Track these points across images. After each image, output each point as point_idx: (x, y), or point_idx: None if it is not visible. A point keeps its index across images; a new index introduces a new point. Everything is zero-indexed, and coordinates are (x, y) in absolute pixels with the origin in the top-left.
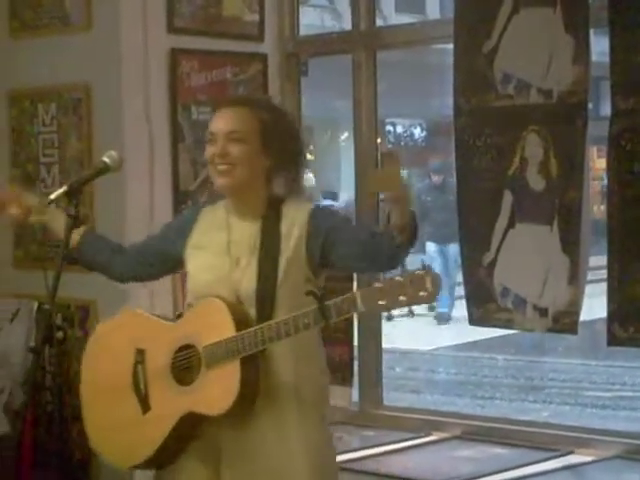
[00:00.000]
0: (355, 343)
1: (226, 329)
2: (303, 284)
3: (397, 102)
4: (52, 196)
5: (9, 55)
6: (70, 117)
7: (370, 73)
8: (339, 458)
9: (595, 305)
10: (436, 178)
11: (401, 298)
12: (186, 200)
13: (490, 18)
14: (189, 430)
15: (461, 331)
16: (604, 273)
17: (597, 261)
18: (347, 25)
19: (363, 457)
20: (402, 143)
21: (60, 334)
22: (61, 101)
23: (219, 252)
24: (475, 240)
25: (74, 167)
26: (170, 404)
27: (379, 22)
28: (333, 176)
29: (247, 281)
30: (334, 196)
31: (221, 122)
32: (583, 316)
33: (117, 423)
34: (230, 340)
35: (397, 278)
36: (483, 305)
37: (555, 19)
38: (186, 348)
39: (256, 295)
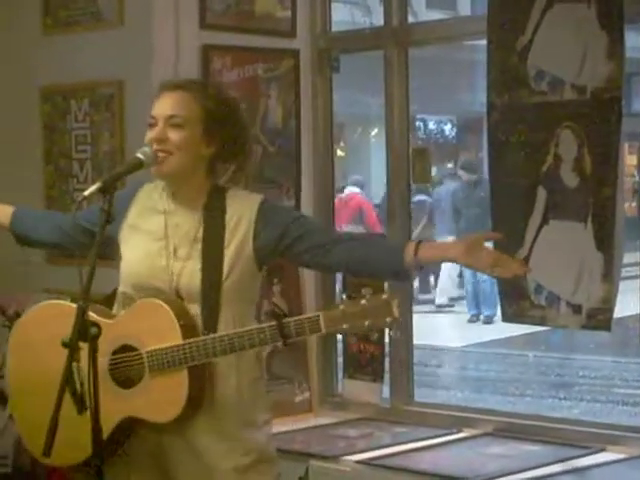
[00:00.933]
0: (386, 339)
1: (172, 335)
2: (249, 279)
3: (428, 98)
4: (86, 192)
5: (42, 51)
6: (103, 113)
7: (402, 69)
8: (371, 454)
9: (626, 302)
10: (465, 176)
11: (365, 323)
12: None
13: (524, 14)
14: (126, 432)
15: (492, 328)
16: (636, 270)
17: (629, 258)
18: (377, 21)
19: (394, 453)
20: (433, 140)
21: (94, 330)
22: (94, 97)
23: (155, 238)
24: (508, 237)
25: (107, 163)
26: (108, 406)
27: (410, 18)
28: (364, 172)
29: (189, 275)
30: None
31: (162, 106)
32: (615, 313)
33: (44, 421)
34: (178, 348)
35: (362, 302)
36: (516, 302)
37: (589, 14)
38: (126, 349)
39: (201, 291)
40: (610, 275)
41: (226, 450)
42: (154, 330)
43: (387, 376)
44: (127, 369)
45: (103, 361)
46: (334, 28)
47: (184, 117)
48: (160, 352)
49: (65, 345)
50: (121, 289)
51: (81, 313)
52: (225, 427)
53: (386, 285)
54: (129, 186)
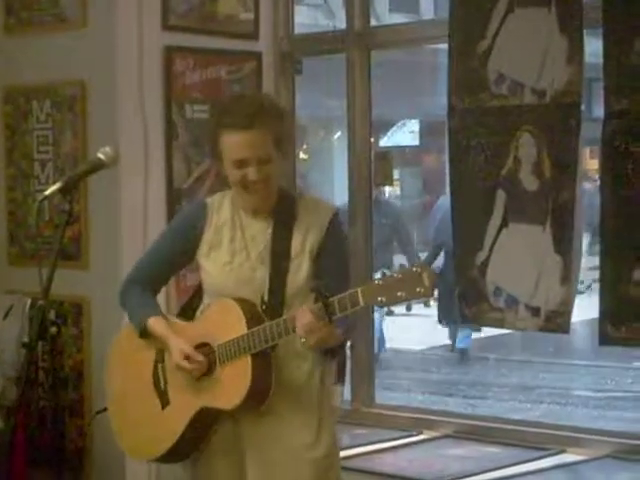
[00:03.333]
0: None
1: (239, 327)
2: (308, 284)
3: (391, 102)
4: (47, 192)
5: (4, 52)
6: (65, 114)
7: (364, 72)
8: None
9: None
10: None
11: (399, 294)
12: (179, 197)
13: (485, 18)
14: (205, 424)
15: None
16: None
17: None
18: (341, 24)
19: (354, 455)
20: (395, 143)
21: (54, 330)
22: (56, 98)
23: (237, 252)
24: (468, 239)
25: (69, 164)
26: (187, 399)
27: (373, 22)
28: (326, 175)
29: (265, 282)
30: None
31: (248, 149)
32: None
33: (139, 419)
34: (241, 338)
35: (395, 275)
36: (475, 304)
37: (550, 19)
38: (202, 346)
39: (268, 297)
40: (568, 278)
41: (307, 437)
42: (224, 325)
43: (348, 378)
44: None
45: None
46: (297, 31)
47: (270, 152)
48: (227, 344)
49: (24, 345)
50: (206, 301)
51: (41, 313)
52: (307, 414)
53: (418, 260)
54: (195, 208)
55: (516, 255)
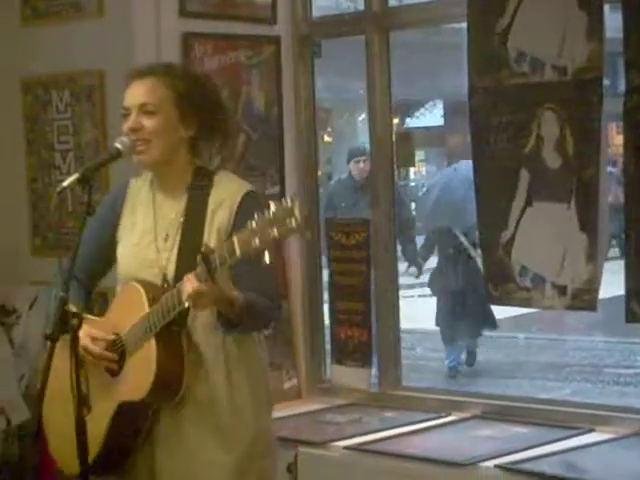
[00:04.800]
0: (374, 324)
1: (142, 310)
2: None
3: (413, 82)
4: (65, 183)
5: (22, 43)
6: (84, 104)
7: (383, 54)
8: (360, 440)
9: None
10: None
11: (271, 233)
12: None
13: None
14: (127, 425)
15: None
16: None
17: None
18: (362, 6)
19: (383, 438)
20: (420, 123)
21: (75, 321)
22: (75, 88)
23: (145, 232)
24: (493, 219)
25: (89, 154)
26: (106, 399)
27: (391, 2)
28: None
29: (171, 264)
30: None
31: (132, 95)
32: (603, 293)
33: (67, 429)
34: (141, 319)
35: (267, 214)
36: (501, 284)
37: None
38: (114, 340)
39: (175, 274)
40: (594, 256)
41: (216, 442)
42: (130, 311)
43: (375, 361)
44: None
45: None
46: (318, 14)
47: (155, 103)
48: (132, 330)
49: (46, 337)
50: (118, 288)
51: (62, 304)
52: (215, 418)
53: (289, 194)
54: (116, 189)
55: (541, 234)
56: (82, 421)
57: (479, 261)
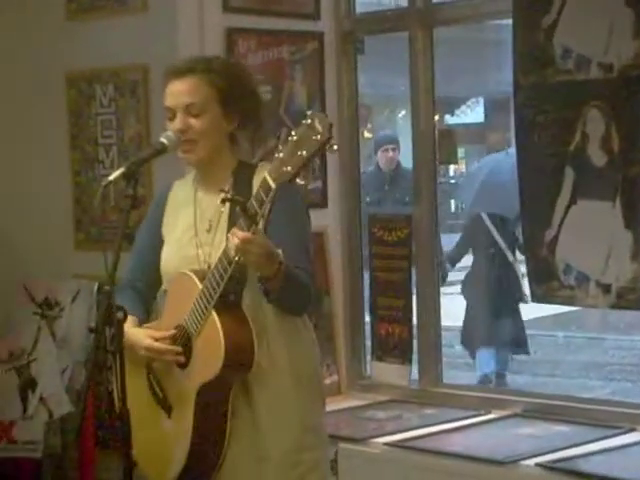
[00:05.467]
0: (414, 321)
1: (196, 291)
2: None
3: (454, 79)
4: (110, 177)
5: (66, 37)
6: (128, 98)
7: (427, 50)
8: (400, 436)
9: None
10: None
11: (300, 153)
12: None
13: None
14: (212, 410)
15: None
16: None
17: None
18: (403, 2)
19: (423, 435)
20: (460, 120)
21: (120, 315)
22: (119, 82)
23: (186, 229)
24: (537, 217)
25: (133, 148)
26: (183, 392)
27: None
28: None
29: (216, 254)
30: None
31: (176, 96)
32: None
33: (153, 440)
34: (198, 297)
35: (290, 138)
36: (545, 282)
37: None
38: (177, 331)
39: None
40: (639, 254)
41: (283, 423)
42: (184, 298)
43: (415, 358)
44: (183, 347)
45: None
46: (360, 9)
47: (201, 103)
48: (191, 311)
49: (92, 330)
50: (163, 287)
51: (107, 298)
52: (283, 399)
53: (308, 112)
54: (159, 193)
55: (586, 232)
56: (127, 413)
57: (517, 268)
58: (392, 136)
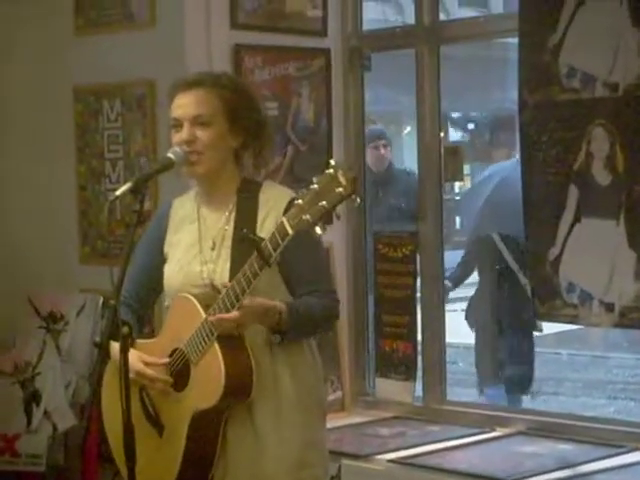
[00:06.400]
0: (419, 338)
1: (197, 317)
2: (276, 273)
3: (459, 96)
4: (117, 192)
5: (74, 52)
6: (135, 113)
7: (433, 67)
8: (404, 453)
9: None
10: None
11: (321, 204)
12: None
13: (555, 11)
14: (205, 433)
15: None
16: None
17: None
18: (410, 19)
19: (427, 452)
20: (465, 138)
21: (125, 329)
22: (125, 97)
23: (190, 246)
24: (541, 235)
25: (139, 163)
26: (178, 415)
27: (442, 16)
28: None
29: (220, 273)
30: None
31: (184, 107)
32: None
33: (144, 458)
34: (201, 325)
35: (312, 187)
36: (548, 301)
37: (621, 11)
38: (174, 353)
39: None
40: None
41: (283, 440)
42: (186, 322)
43: (419, 375)
44: (181, 371)
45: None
46: (365, 26)
47: (209, 114)
48: (192, 338)
49: (96, 345)
50: (166, 304)
51: (112, 312)
52: (284, 415)
53: (331, 161)
54: (160, 211)
55: (589, 250)
56: (131, 427)
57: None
58: (382, 130)
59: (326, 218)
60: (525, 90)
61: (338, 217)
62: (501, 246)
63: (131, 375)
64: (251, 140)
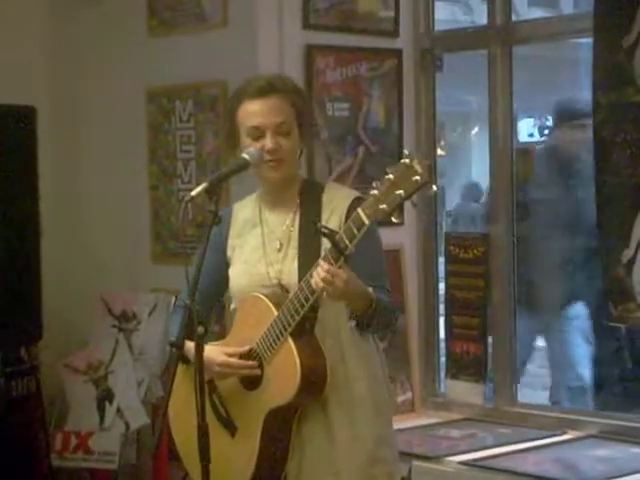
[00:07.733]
0: (489, 340)
1: (270, 315)
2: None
3: (529, 97)
4: (193, 193)
5: (147, 53)
6: (207, 114)
7: (506, 68)
8: (474, 455)
9: None
10: None
11: (398, 192)
12: None
13: (630, 12)
14: (278, 431)
15: None
16: None
17: None
18: (479, 19)
19: (497, 455)
20: (535, 138)
21: (201, 329)
22: (198, 98)
23: (254, 249)
24: (614, 238)
25: (211, 164)
26: (251, 414)
27: (513, 16)
28: (463, 172)
29: (288, 273)
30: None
31: (264, 115)
32: None
33: (216, 461)
34: (273, 322)
35: (387, 177)
36: (622, 303)
37: None
38: (246, 354)
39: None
40: None
41: (357, 435)
42: (257, 321)
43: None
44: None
45: (232, 377)
46: (436, 27)
47: (289, 122)
48: (264, 336)
49: (172, 345)
50: (232, 306)
51: (188, 312)
52: (357, 411)
53: (405, 151)
54: (221, 217)
55: None
56: (205, 427)
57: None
58: None
59: (401, 207)
60: (599, 91)
61: (415, 205)
62: None
63: (216, 369)
64: (307, 141)
